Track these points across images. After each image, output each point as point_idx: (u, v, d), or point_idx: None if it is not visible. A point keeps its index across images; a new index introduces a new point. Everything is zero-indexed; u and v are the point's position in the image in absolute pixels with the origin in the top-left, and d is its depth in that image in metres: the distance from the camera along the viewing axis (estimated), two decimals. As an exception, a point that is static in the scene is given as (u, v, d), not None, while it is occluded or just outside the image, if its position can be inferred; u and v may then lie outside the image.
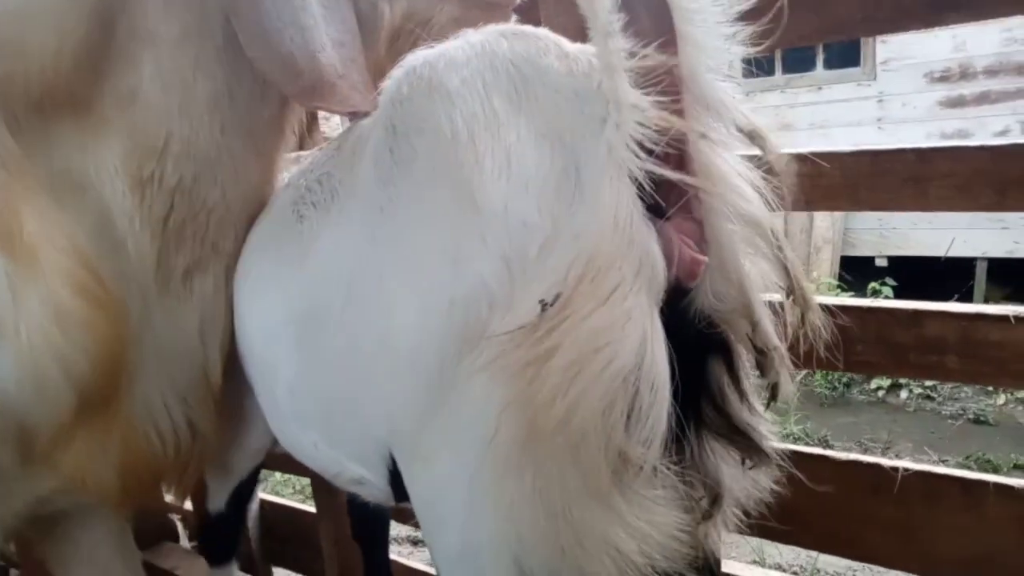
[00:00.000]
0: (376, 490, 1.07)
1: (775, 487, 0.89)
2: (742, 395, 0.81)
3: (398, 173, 0.88)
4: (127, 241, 1.12)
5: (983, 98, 6.39)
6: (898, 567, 1.28)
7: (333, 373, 0.98)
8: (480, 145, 0.79)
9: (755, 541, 3.23)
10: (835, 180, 1.17)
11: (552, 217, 0.76)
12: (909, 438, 5.04)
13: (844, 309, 1.22)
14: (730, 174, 0.73)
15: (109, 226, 1.11)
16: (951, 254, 6.27)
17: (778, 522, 1.35)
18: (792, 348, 1.26)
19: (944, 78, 6.50)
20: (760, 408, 0.82)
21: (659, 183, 0.71)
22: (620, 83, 0.69)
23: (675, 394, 0.73)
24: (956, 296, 5.93)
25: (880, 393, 5.82)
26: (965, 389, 5.64)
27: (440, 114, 0.82)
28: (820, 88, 7.15)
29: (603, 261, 0.69)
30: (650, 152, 0.69)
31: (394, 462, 0.95)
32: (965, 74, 6.40)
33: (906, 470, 1.19)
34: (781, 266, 0.78)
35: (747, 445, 0.81)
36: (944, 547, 1.21)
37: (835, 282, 6.44)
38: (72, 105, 1.08)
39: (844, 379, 5.91)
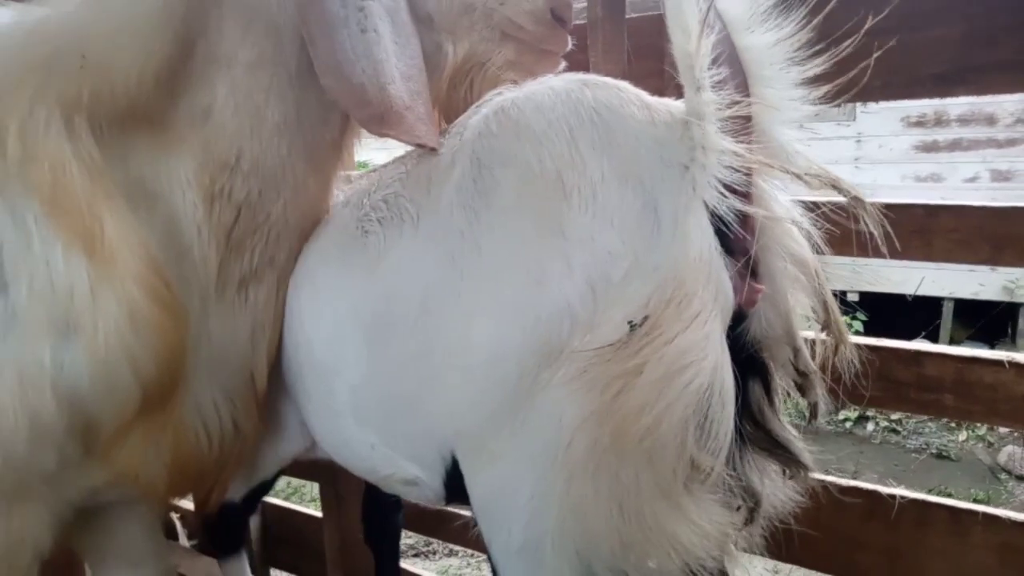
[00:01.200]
0: (429, 491, 1.13)
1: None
2: (775, 413, 0.91)
3: (480, 202, 0.95)
4: (193, 249, 1.17)
5: (955, 145, 6.66)
6: (886, 586, 1.38)
7: (401, 377, 1.04)
8: (567, 182, 0.88)
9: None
10: (848, 228, 1.28)
11: (634, 249, 0.84)
12: (874, 469, 5.19)
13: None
14: (786, 221, 0.85)
15: (177, 234, 1.16)
16: (920, 293, 6.49)
17: (776, 542, 1.45)
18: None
19: (920, 123, 6.76)
20: (791, 427, 0.92)
21: (724, 223, 0.81)
22: (709, 130, 0.79)
23: None
24: (923, 333, 6.15)
25: (848, 424, 5.99)
26: (929, 424, 5.84)
27: (528, 152, 0.91)
28: (801, 125, 7.34)
29: (688, 289, 0.78)
30: (732, 191, 0.80)
31: (453, 463, 1.02)
32: (940, 121, 6.67)
33: (903, 498, 1.29)
34: (822, 302, 0.89)
35: (787, 457, 0.91)
36: (929, 570, 1.31)
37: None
38: (149, 119, 1.13)
39: (813, 409, 6.08)
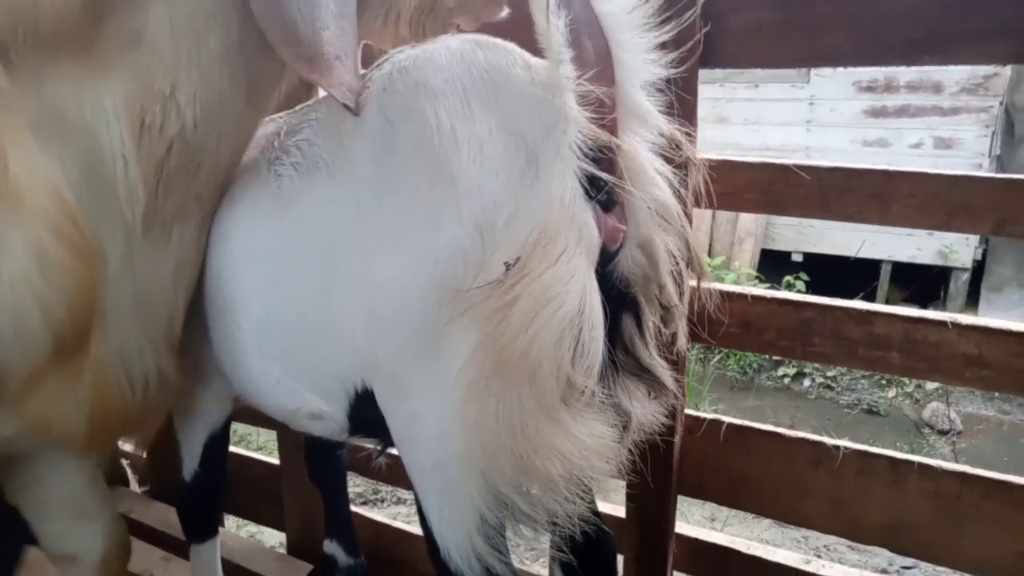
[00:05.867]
0: (334, 423, 1.19)
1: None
2: (646, 343, 1.02)
3: (384, 153, 1.02)
4: (118, 185, 1.11)
5: (903, 111, 6.83)
6: (827, 531, 1.47)
7: (309, 313, 1.11)
8: (459, 135, 0.95)
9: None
10: (811, 190, 1.32)
11: (516, 197, 0.92)
12: (809, 424, 5.42)
13: (805, 305, 1.38)
14: (648, 169, 0.94)
15: (100, 168, 1.09)
16: (860, 255, 6.72)
17: (730, 489, 1.53)
18: (761, 333, 1.42)
19: (871, 88, 6.90)
20: (657, 355, 1.04)
21: (592, 177, 0.92)
22: (568, 100, 0.88)
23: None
24: (861, 295, 6.39)
25: (786, 380, 6.23)
26: (862, 381, 6.12)
27: (426, 107, 0.98)
28: (757, 86, 7.44)
29: (552, 232, 0.88)
30: (587, 155, 0.89)
31: (356, 396, 1.10)
32: (890, 87, 6.82)
33: (846, 448, 1.36)
34: (684, 240, 1.00)
35: (652, 380, 1.03)
36: (869, 515, 1.40)
37: (755, 273, 6.79)
38: (72, 44, 1.05)
39: (754, 365, 6.30)
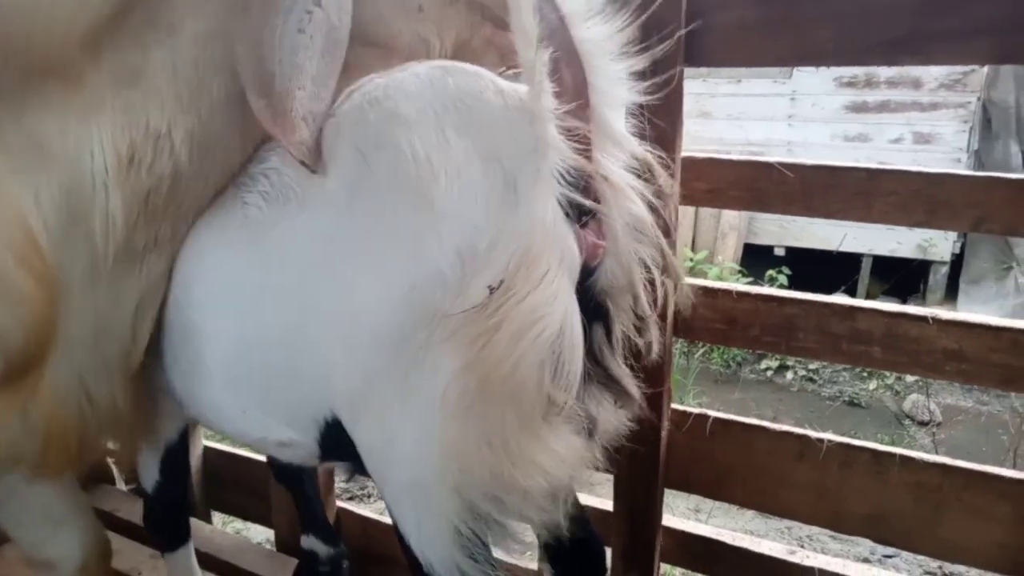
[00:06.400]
0: (303, 450, 1.20)
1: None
2: (614, 353, 1.04)
3: (359, 184, 1.02)
4: (95, 215, 1.10)
5: (883, 107, 6.90)
6: (810, 522, 1.50)
7: (278, 344, 1.10)
8: (435, 163, 0.96)
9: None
10: (795, 187, 1.34)
11: (496, 221, 0.93)
12: (792, 416, 5.47)
13: (790, 301, 1.41)
14: (623, 186, 0.96)
15: (78, 198, 1.08)
16: (842, 249, 6.79)
17: (717, 482, 1.55)
18: (746, 329, 1.44)
19: (852, 84, 6.96)
20: (624, 365, 1.06)
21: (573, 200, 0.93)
22: (549, 129, 0.89)
23: None
24: (843, 288, 6.46)
25: (768, 373, 6.29)
26: (843, 373, 6.19)
27: (400, 136, 0.98)
28: (739, 81, 7.48)
29: (535, 254, 0.89)
30: (567, 180, 0.91)
31: (327, 425, 1.10)
32: (870, 82, 6.88)
33: (830, 441, 1.39)
34: (660, 251, 1.02)
35: (619, 390, 1.05)
36: (852, 506, 1.42)
37: (738, 267, 6.84)
38: (63, 75, 1.05)
39: (738, 359, 6.36)
